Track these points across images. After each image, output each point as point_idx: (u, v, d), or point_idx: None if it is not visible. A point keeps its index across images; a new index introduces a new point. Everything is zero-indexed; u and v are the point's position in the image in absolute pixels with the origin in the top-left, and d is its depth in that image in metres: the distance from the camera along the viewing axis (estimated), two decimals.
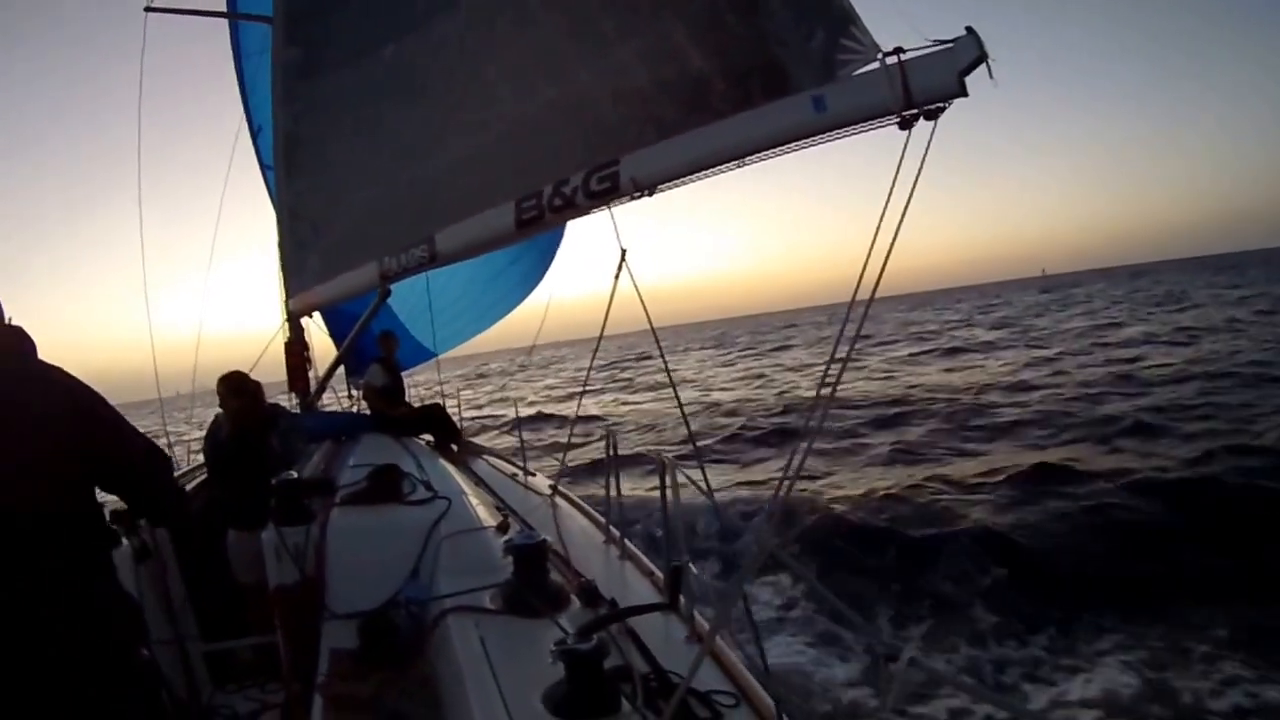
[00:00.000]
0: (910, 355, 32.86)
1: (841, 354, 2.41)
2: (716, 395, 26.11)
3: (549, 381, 42.80)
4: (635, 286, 3.76)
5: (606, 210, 3.87)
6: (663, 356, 4.54)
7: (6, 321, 2.59)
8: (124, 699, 2.52)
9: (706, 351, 56.52)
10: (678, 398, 4.34)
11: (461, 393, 9.99)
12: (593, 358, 5.62)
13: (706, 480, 3.40)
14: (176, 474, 6.14)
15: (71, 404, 2.50)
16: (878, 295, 2.34)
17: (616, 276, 3.91)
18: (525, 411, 24.93)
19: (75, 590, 2.42)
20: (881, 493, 10.86)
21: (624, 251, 3.77)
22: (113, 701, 2.46)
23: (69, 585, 2.40)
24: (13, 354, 2.52)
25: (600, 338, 4.34)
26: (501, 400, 27.94)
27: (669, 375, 4.47)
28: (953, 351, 32.27)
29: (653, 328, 3.97)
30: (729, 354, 50.00)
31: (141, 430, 2.76)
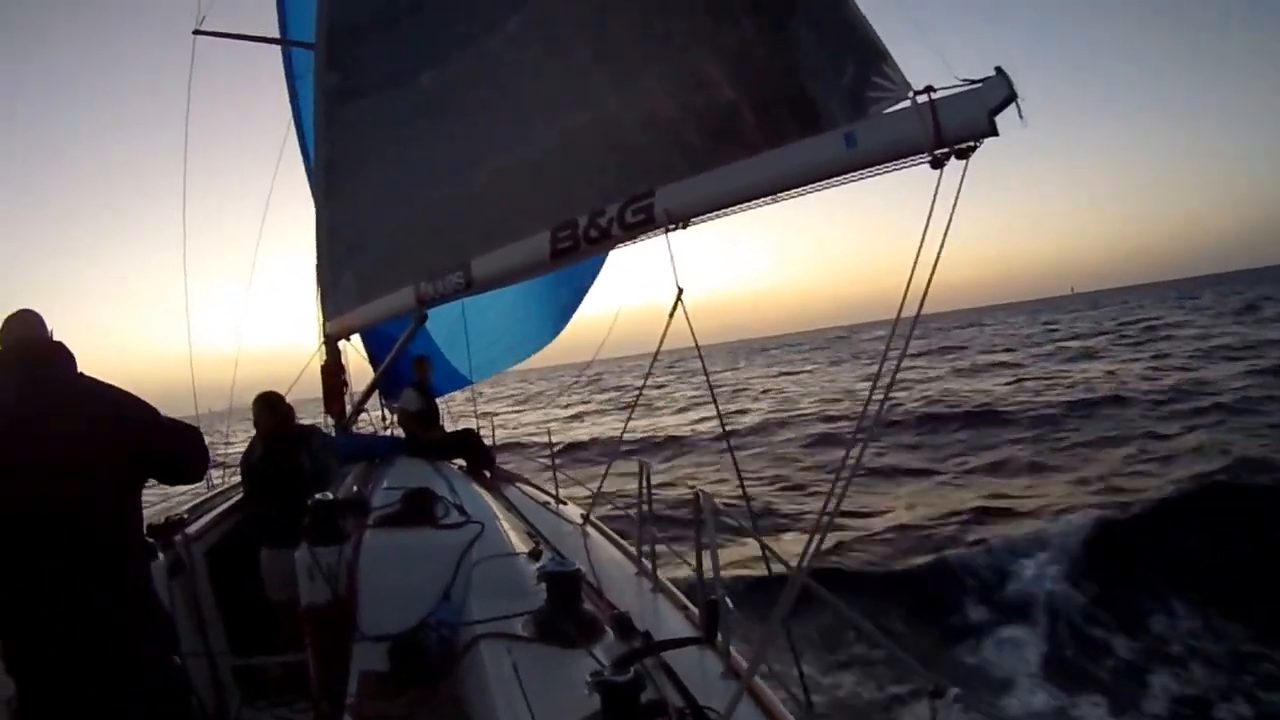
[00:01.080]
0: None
1: (883, 382, 2.48)
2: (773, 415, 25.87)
3: (589, 403, 42.84)
4: (689, 325, 3.75)
5: (647, 240, 3.93)
6: (715, 400, 4.56)
7: (49, 336, 2.77)
8: (156, 708, 2.63)
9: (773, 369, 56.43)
10: (724, 427, 4.36)
11: (496, 417, 10.11)
12: (639, 394, 5.67)
13: (748, 503, 3.40)
14: (212, 492, 6.34)
15: (113, 412, 2.65)
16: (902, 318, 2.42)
17: (671, 314, 3.88)
18: (561, 437, 24.97)
19: (115, 599, 2.55)
20: (933, 519, 10.79)
21: (680, 290, 3.74)
22: (145, 710, 2.58)
23: (109, 594, 2.54)
24: (56, 367, 2.69)
25: (646, 378, 4.36)
26: (539, 424, 27.94)
27: (718, 410, 4.50)
28: None
29: (706, 371, 3.99)
30: (798, 370, 49.71)
31: None
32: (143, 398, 2.79)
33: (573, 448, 22.97)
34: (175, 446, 2.84)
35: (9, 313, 2.80)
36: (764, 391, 36.45)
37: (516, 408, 42.22)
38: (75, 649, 2.47)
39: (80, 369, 2.77)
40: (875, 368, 2.77)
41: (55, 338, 2.79)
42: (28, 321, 2.76)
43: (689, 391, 38.07)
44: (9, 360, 2.64)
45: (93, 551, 2.53)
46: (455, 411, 9.53)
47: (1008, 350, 42.82)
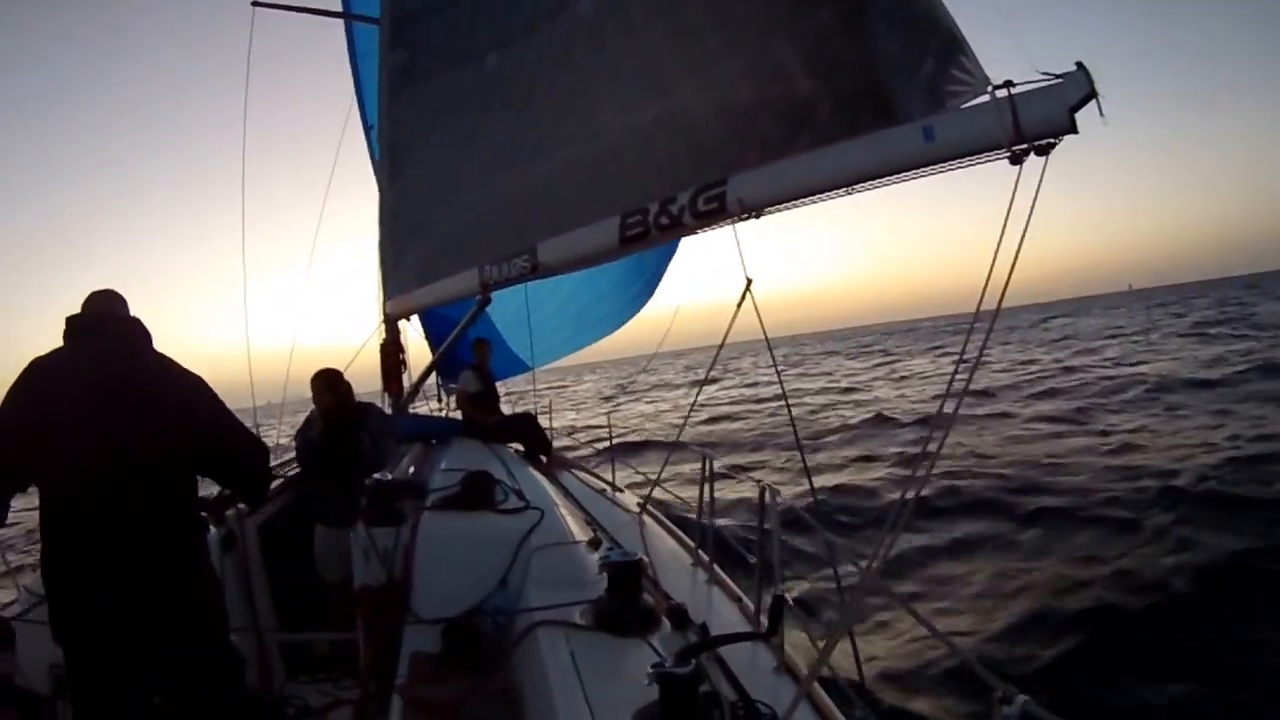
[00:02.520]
0: None
1: (960, 380, 2.56)
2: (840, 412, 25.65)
3: (655, 396, 42.82)
4: (759, 316, 3.81)
5: (716, 231, 4.01)
6: (784, 391, 4.63)
7: (128, 314, 2.95)
8: (207, 680, 2.80)
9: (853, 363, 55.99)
10: (793, 422, 4.40)
11: (554, 403, 10.22)
12: (700, 387, 5.74)
13: (814, 493, 3.40)
14: None
15: (184, 391, 2.84)
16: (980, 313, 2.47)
17: (739, 304, 3.95)
18: (621, 426, 24.98)
19: (169, 570, 2.71)
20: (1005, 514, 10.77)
21: (749, 281, 3.81)
22: (196, 682, 2.76)
23: (164, 564, 2.70)
24: (133, 343, 2.87)
25: (711, 368, 4.43)
26: (599, 412, 27.89)
27: (787, 403, 4.52)
28: None
29: (775, 362, 4.07)
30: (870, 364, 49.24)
31: None
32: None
33: (633, 443, 23.08)
34: (240, 454, 3.01)
35: (86, 294, 2.96)
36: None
37: (575, 397, 42.35)
38: (128, 617, 2.60)
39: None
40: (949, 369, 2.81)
41: (132, 316, 2.96)
42: (110, 298, 2.93)
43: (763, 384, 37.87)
44: (92, 331, 2.81)
45: (150, 522, 2.67)
46: (513, 396, 9.67)
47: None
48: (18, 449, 2.64)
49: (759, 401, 30.96)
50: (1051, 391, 23.54)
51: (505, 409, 8.68)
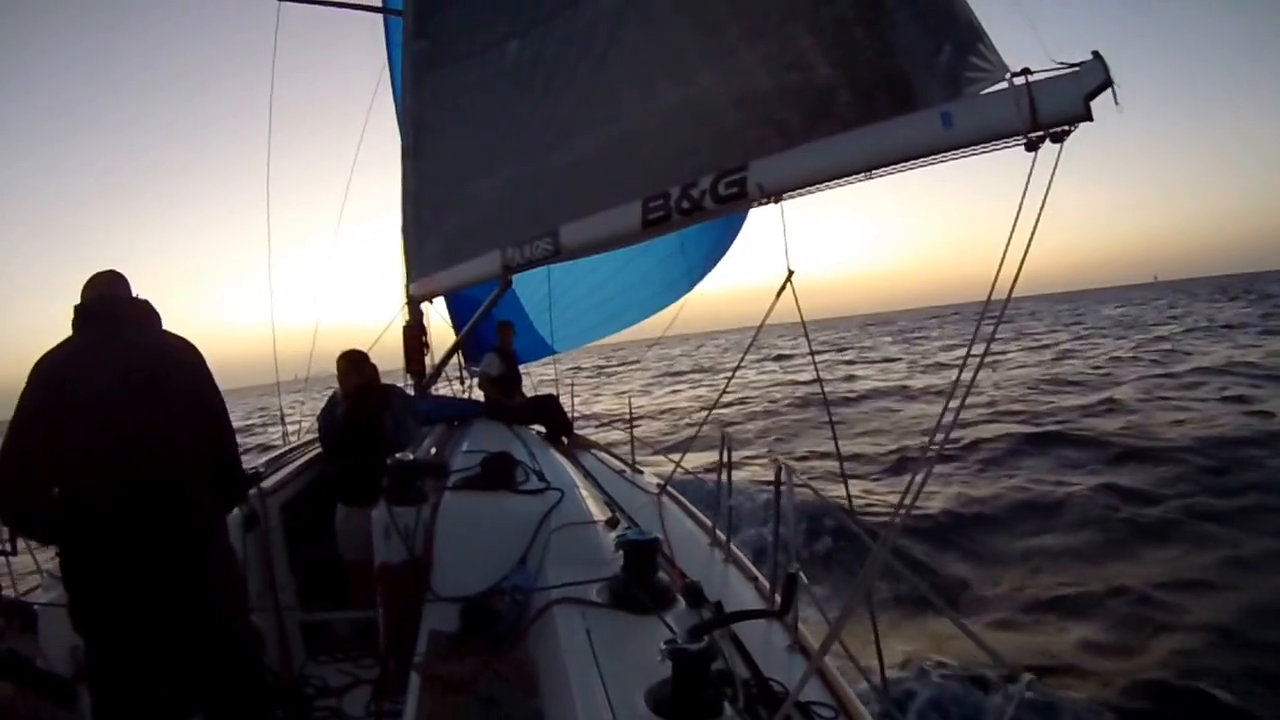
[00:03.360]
0: None
1: (971, 365, 2.54)
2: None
3: (682, 376, 42.70)
4: (799, 308, 3.83)
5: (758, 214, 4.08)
6: (819, 375, 4.68)
7: (132, 295, 2.98)
8: (228, 660, 2.86)
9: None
10: (826, 403, 4.46)
11: (575, 385, 10.31)
12: (731, 376, 5.80)
13: (846, 482, 3.41)
14: (288, 448, 6.66)
15: (198, 373, 2.92)
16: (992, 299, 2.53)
17: (778, 295, 3.99)
18: (643, 406, 24.96)
19: (191, 549, 2.76)
20: (1012, 497, 10.80)
21: (790, 273, 3.82)
22: (217, 661, 2.81)
23: (186, 544, 2.75)
24: (144, 326, 2.92)
25: (744, 356, 4.47)
26: (623, 393, 27.81)
27: (822, 387, 4.55)
28: None
29: (813, 353, 4.12)
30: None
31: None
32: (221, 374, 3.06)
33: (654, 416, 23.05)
34: (229, 453, 3.07)
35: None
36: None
37: (602, 379, 42.30)
38: (150, 598, 2.64)
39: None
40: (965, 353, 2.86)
41: (138, 297, 2.98)
42: (111, 280, 2.95)
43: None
44: (103, 318, 2.84)
45: (171, 502, 2.71)
46: (536, 378, 9.77)
47: None
48: (42, 439, 2.61)
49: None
50: None
51: (556, 391, 8.82)
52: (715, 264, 9.55)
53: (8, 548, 4.00)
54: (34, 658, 3.37)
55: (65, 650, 3.26)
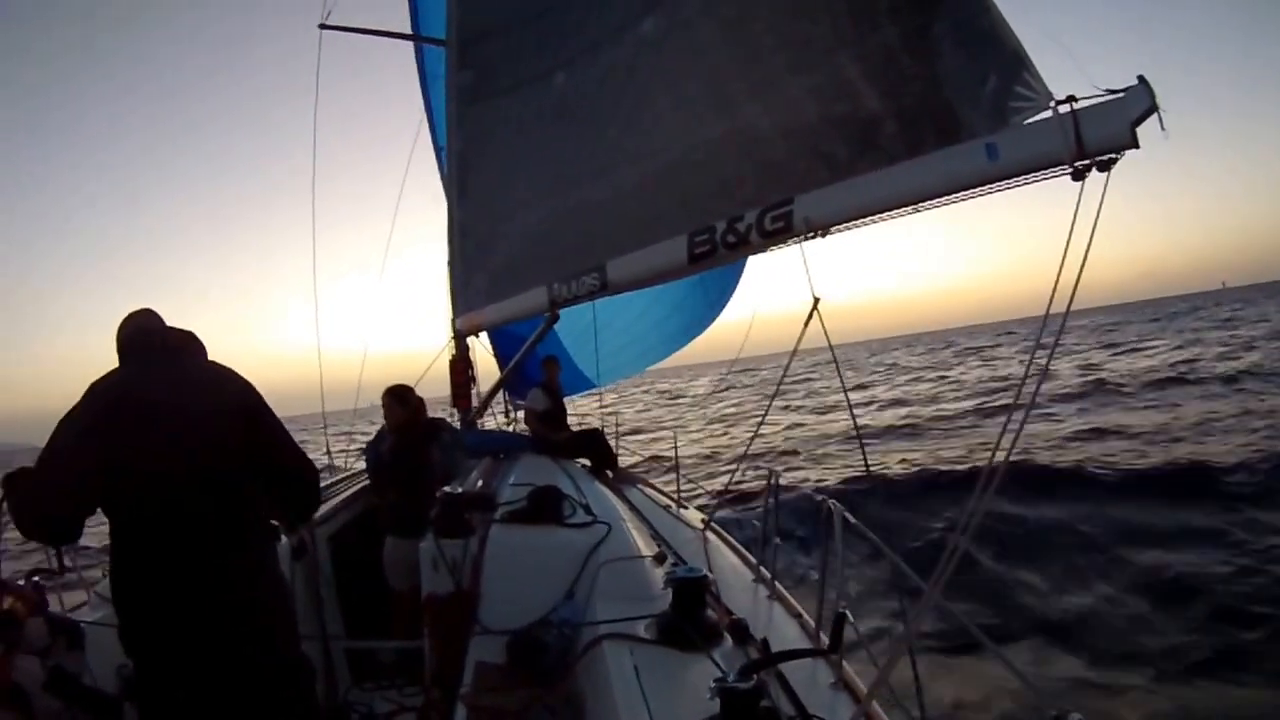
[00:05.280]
0: None
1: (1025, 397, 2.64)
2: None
3: (721, 406, 42.57)
4: (826, 335, 3.86)
5: (783, 249, 4.15)
6: (849, 401, 4.69)
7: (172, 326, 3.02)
8: (282, 689, 2.88)
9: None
10: (859, 433, 4.49)
11: (621, 417, 10.40)
12: (771, 401, 5.86)
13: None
14: (335, 480, 6.82)
15: (241, 403, 2.92)
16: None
17: (806, 323, 3.99)
18: (687, 440, 24.91)
19: (242, 578, 2.79)
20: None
21: (816, 300, 3.86)
22: (271, 690, 2.82)
23: (237, 572, 2.78)
24: (188, 353, 2.98)
25: (780, 383, 4.48)
26: (665, 425, 27.73)
27: (852, 415, 4.61)
28: None
29: (842, 380, 4.16)
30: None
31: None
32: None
33: (699, 450, 22.96)
34: (295, 468, 3.06)
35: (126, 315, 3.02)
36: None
37: (645, 408, 42.22)
38: (202, 623, 2.67)
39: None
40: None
41: (180, 327, 3.02)
42: (147, 315, 3.01)
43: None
44: (147, 346, 2.90)
45: (224, 532, 2.75)
46: (580, 412, 9.87)
47: None
48: (88, 468, 2.61)
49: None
50: None
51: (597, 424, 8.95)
52: (734, 290, 9.80)
53: (55, 566, 4.16)
54: (81, 675, 3.51)
55: (112, 668, 3.35)
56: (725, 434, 27.80)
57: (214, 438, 2.76)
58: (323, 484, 6.33)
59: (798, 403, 34.62)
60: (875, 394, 35.66)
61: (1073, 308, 2.58)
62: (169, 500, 2.66)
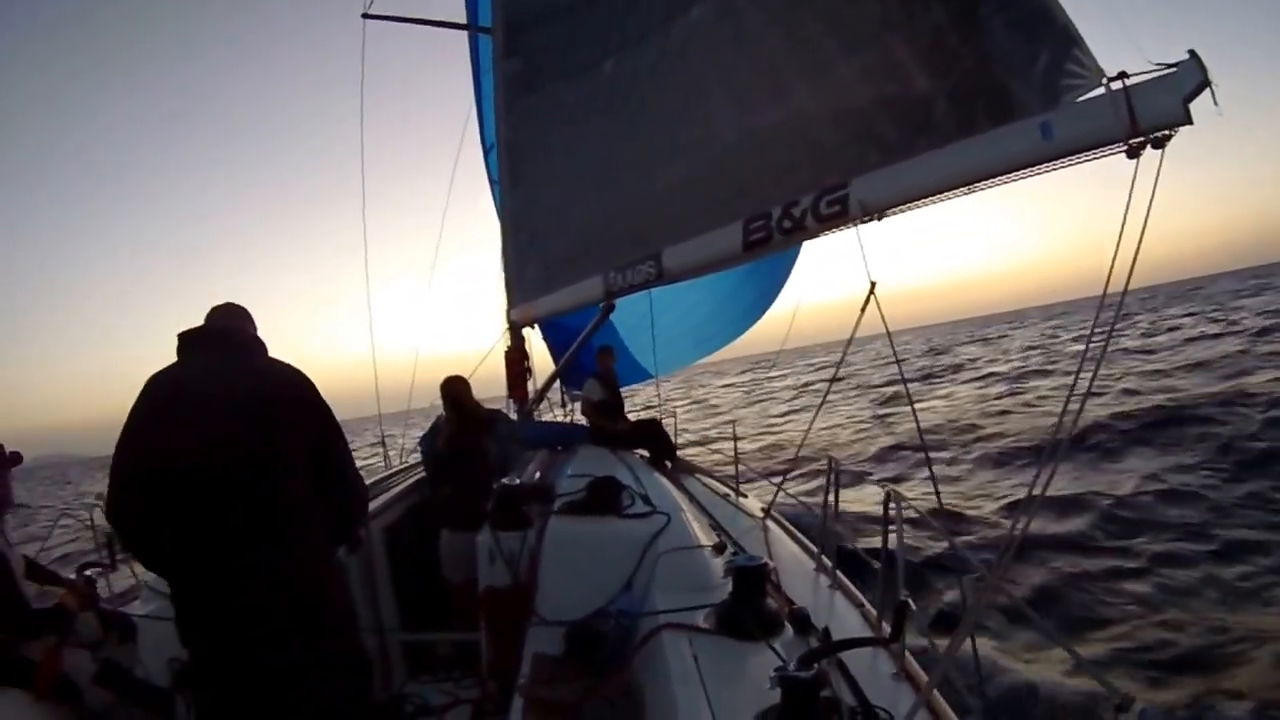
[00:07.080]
0: None
1: (1085, 377, 2.65)
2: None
3: (780, 397, 42.35)
4: (883, 319, 3.92)
5: (840, 233, 4.20)
6: (907, 391, 4.74)
7: (248, 329, 3.11)
8: (340, 681, 2.94)
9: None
10: (917, 422, 4.51)
11: (679, 407, 10.44)
12: (828, 389, 5.90)
13: (939, 501, 3.45)
14: (390, 472, 7.00)
15: (305, 391, 2.98)
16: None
17: (863, 309, 4.05)
18: (745, 430, 24.86)
19: (305, 570, 2.85)
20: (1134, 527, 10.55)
21: (873, 284, 3.93)
22: (329, 683, 2.88)
23: (296, 564, 2.83)
24: (249, 349, 3.05)
25: (837, 370, 4.50)
26: (725, 415, 27.60)
27: (910, 401, 4.61)
28: None
29: (899, 364, 4.20)
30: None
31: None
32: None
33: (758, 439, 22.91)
34: (345, 467, 3.09)
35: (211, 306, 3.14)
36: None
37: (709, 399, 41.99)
38: (259, 615, 2.73)
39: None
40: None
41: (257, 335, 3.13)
42: (232, 312, 3.12)
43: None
44: (202, 340, 2.97)
45: (280, 522, 2.80)
46: (637, 402, 9.93)
47: None
48: (148, 459, 2.70)
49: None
50: None
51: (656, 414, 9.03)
52: (786, 279, 9.84)
53: (107, 560, 4.33)
54: (133, 668, 3.67)
55: (163, 661, 3.48)
56: (786, 427, 27.76)
57: (272, 430, 2.79)
58: (376, 477, 6.51)
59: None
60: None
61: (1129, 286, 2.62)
62: (224, 497, 2.70)
